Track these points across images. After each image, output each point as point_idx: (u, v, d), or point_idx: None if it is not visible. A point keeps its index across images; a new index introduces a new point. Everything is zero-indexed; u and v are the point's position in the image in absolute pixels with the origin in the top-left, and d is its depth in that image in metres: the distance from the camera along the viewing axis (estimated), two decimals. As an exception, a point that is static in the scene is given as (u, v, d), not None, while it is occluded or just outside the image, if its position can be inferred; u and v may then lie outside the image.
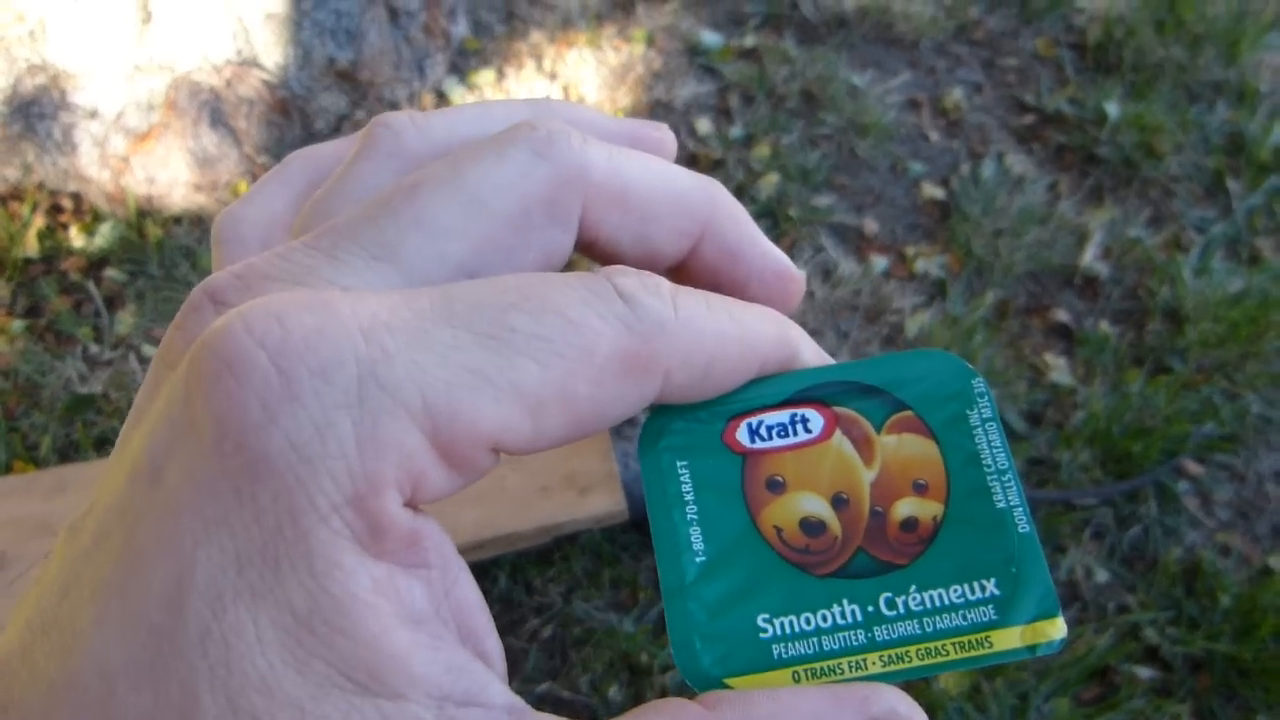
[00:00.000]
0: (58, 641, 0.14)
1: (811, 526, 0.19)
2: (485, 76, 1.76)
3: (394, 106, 1.61)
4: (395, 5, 1.63)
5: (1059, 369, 1.44)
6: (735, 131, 1.72)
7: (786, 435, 0.19)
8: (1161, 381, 1.42)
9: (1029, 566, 0.18)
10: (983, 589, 0.18)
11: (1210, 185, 1.71)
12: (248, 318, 0.15)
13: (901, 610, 0.18)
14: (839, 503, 0.19)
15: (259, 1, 1.46)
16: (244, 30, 1.47)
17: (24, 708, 0.14)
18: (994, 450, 0.19)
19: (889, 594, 0.18)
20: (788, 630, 0.18)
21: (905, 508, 0.19)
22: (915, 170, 1.70)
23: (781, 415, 0.20)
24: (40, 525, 1.13)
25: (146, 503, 0.15)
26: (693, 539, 0.19)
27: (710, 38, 1.87)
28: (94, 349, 1.41)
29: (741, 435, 0.19)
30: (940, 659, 0.18)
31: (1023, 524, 0.18)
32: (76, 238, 1.52)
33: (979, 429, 0.19)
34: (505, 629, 1.17)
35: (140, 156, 1.51)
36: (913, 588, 0.18)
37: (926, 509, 0.19)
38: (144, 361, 1.40)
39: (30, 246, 1.50)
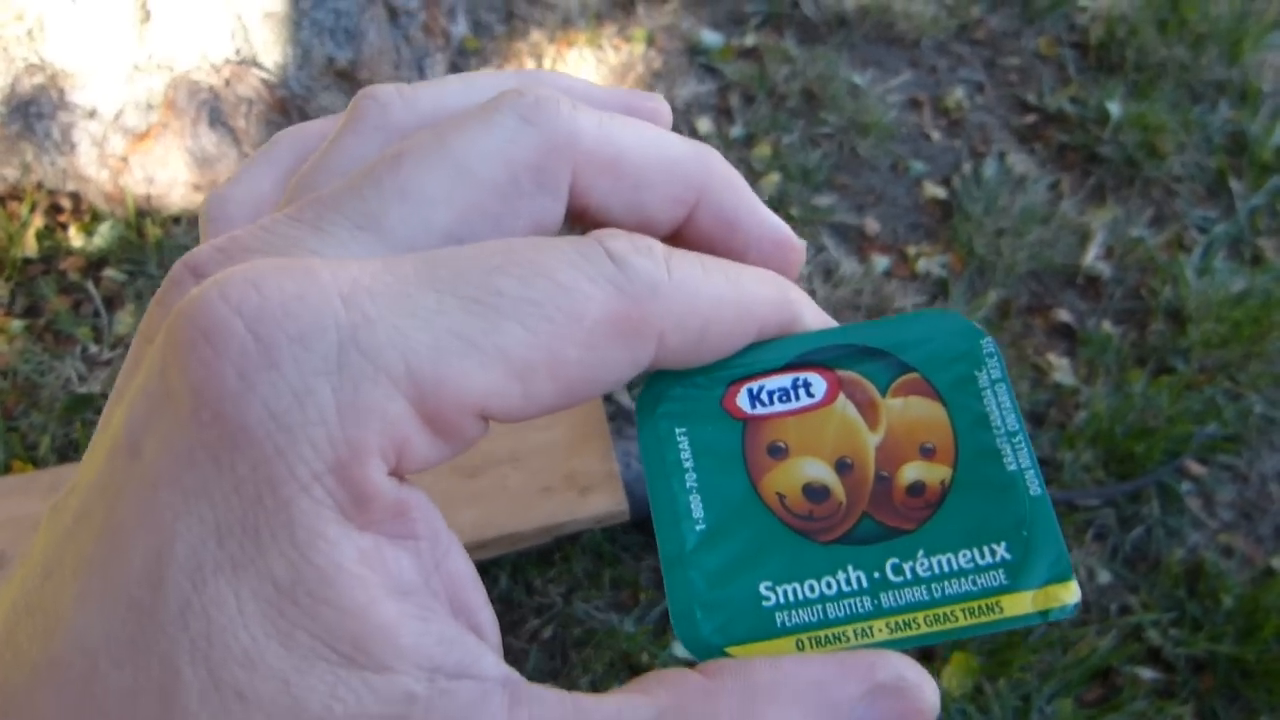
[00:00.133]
0: (41, 622, 0.14)
1: (815, 492, 0.18)
2: (485, 76, 1.75)
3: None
4: (394, 4, 1.62)
5: (1061, 369, 1.44)
6: (736, 131, 1.72)
7: (788, 400, 0.19)
8: (1164, 382, 1.41)
9: (1041, 530, 0.18)
10: (993, 553, 0.17)
11: (1213, 185, 1.70)
12: (224, 285, 0.14)
13: (909, 576, 0.17)
14: (843, 468, 0.18)
15: (258, 0, 1.46)
16: (243, 29, 1.47)
17: (8, 690, 0.14)
18: (1003, 411, 0.19)
19: (895, 560, 0.18)
20: (791, 598, 0.17)
21: (912, 472, 0.18)
22: (917, 170, 1.70)
23: (783, 380, 0.19)
24: (39, 525, 1.12)
25: (126, 477, 0.14)
26: (692, 507, 0.18)
27: (711, 37, 1.87)
28: (93, 349, 1.41)
29: (742, 401, 0.19)
30: (949, 625, 0.17)
31: (1034, 486, 0.18)
32: (75, 237, 1.51)
33: (988, 390, 0.19)
34: (506, 629, 1.17)
35: (139, 156, 1.51)
36: (920, 553, 0.18)
37: (934, 473, 0.18)
38: (143, 361, 1.40)
39: (29, 246, 1.50)
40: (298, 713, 0.13)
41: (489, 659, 0.15)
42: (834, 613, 0.17)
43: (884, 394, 0.19)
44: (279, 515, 0.14)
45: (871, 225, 1.61)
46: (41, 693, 0.14)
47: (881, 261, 1.56)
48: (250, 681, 0.13)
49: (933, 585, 0.17)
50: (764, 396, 0.19)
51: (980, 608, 0.17)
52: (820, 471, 0.18)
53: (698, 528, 0.18)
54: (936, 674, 1.13)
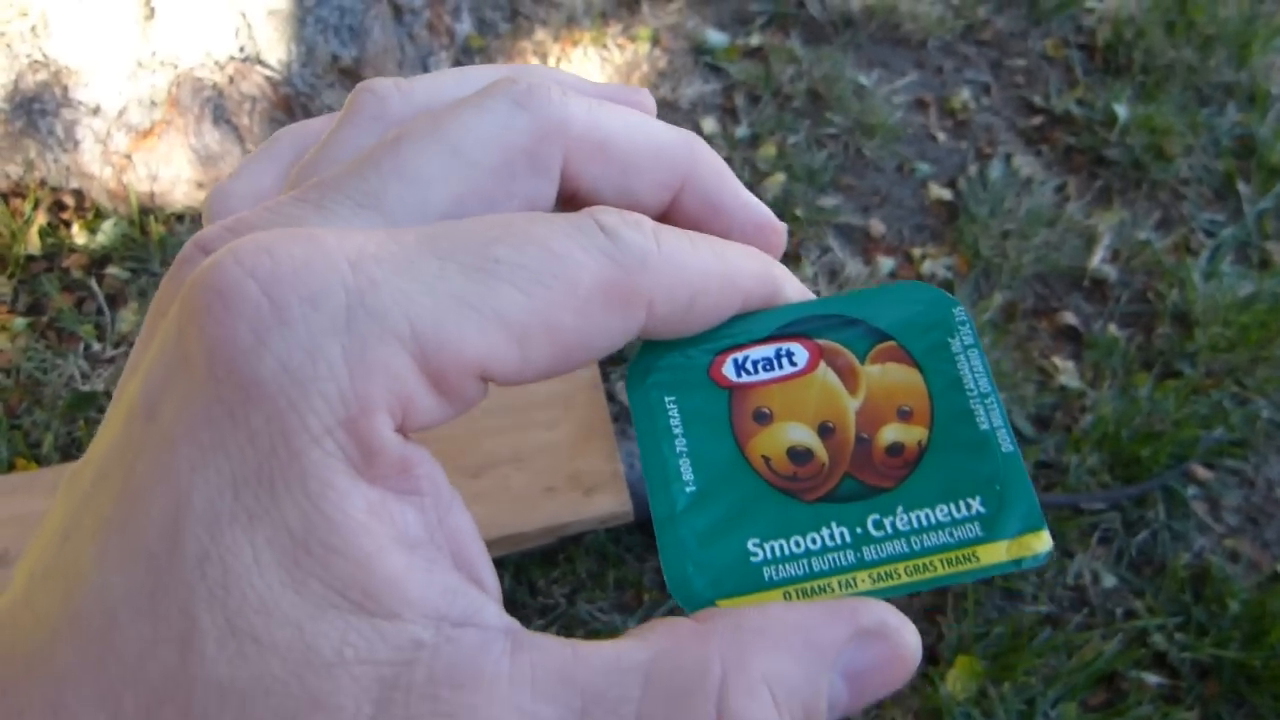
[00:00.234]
0: (60, 585, 0.14)
1: (799, 455, 0.19)
2: (490, 74, 1.75)
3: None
4: (399, 2, 1.62)
5: (1067, 372, 1.43)
6: (741, 131, 1.71)
7: (772, 369, 0.20)
8: (1170, 385, 1.41)
9: (1013, 484, 0.18)
10: (968, 507, 0.18)
11: (1220, 188, 1.70)
12: (238, 251, 0.15)
13: (889, 530, 0.18)
14: (825, 431, 0.19)
15: (263, -2, 1.45)
16: (247, 27, 1.47)
17: (28, 650, 0.14)
18: (975, 375, 0.20)
19: (876, 515, 0.19)
20: (778, 553, 0.18)
21: (890, 433, 0.19)
22: (922, 171, 1.69)
23: (767, 349, 0.20)
24: (41, 523, 1.12)
25: (144, 439, 0.15)
26: (682, 470, 0.19)
27: (716, 37, 1.86)
28: (96, 347, 1.40)
29: (728, 370, 0.20)
30: (928, 574, 0.18)
31: (1006, 444, 0.19)
32: (79, 235, 1.51)
33: (960, 355, 0.20)
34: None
35: (143, 153, 1.50)
36: (899, 509, 0.19)
37: (911, 434, 0.19)
38: (146, 359, 1.39)
39: (32, 244, 1.50)
40: (311, 657, 0.14)
41: (491, 609, 0.15)
42: (819, 566, 0.18)
43: (863, 361, 0.20)
44: (292, 466, 0.14)
45: (877, 226, 1.61)
46: (61, 649, 0.14)
47: (887, 263, 1.55)
48: (266, 627, 0.14)
49: (912, 538, 0.18)
50: (749, 365, 0.20)
51: (958, 558, 0.18)
52: (803, 435, 0.19)
53: (688, 490, 0.19)
54: (940, 678, 1.13)
